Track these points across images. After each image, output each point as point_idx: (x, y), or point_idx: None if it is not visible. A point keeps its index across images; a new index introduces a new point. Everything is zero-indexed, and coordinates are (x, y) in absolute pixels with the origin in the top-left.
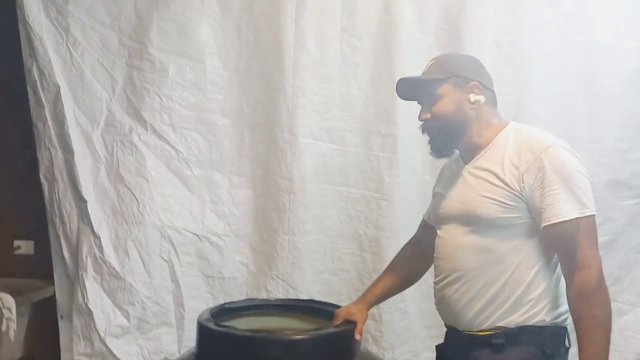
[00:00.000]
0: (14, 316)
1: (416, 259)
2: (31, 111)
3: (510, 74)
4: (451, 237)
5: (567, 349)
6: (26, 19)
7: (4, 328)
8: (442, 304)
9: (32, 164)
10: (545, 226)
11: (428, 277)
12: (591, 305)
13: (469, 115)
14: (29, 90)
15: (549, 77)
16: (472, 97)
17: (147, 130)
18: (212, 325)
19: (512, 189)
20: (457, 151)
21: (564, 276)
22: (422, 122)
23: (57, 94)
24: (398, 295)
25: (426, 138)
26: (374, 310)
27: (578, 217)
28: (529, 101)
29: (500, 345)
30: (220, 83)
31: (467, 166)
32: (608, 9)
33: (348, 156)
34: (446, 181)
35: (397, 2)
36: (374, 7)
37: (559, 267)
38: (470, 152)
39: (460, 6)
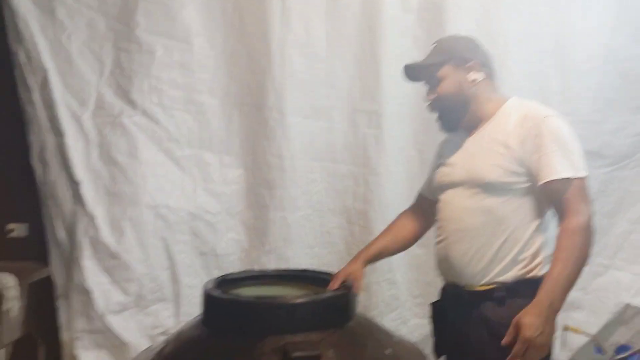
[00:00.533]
0: (15, 296)
1: (411, 226)
2: (20, 95)
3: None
4: (456, 200)
5: None
6: (10, 2)
7: (6, 307)
8: (444, 262)
9: (24, 147)
10: (542, 183)
11: (415, 248)
12: (574, 242)
13: (470, 92)
14: (17, 74)
15: (524, 55)
16: (471, 76)
17: (137, 112)
18: (217, 294)
19: (515, 155)
20: None
21: (558, 220)
22: (429, 102)
23: (45, 78)
24: (386, 266)
25: (432, 115)
26: (363, 280)
27: (570, 178)
28: (507, 77)
29: (501, 298)
30: (208, 64)
31: (470, 137)
32: None
33: (335, 133)
34: (449, 153)
35: None
36: None
37: (550, 228)
38: (474, 124)
39: None
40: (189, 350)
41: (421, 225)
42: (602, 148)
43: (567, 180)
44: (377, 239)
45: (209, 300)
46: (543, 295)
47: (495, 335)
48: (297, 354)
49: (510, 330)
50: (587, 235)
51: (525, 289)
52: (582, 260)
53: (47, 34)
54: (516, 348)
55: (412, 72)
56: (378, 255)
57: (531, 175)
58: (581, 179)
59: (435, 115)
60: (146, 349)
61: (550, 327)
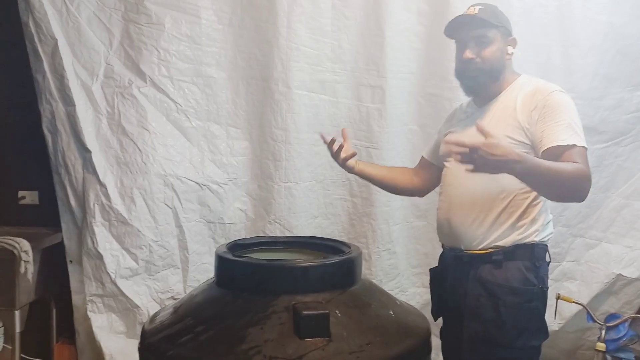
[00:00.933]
0: (30, 259)
1: (409, 178)
2: (31, 64)
3: None
4: (460, 167)
5: (548, 263)
6: None
7: (22, 270)
8: (446, 227)
9: (34, 116)
10: (546, 149)
11: (414, 220)
12: (571, 173)
13: (505, 64)
14: (27, 44)
15: (529, 30)
16: (510, 50)
17: (146, 83)
18: (230, 257)
19: (522, 125)
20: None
21: None
22: (464, 62)
23: (55, 47)
24: (386, 236)
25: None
26: (364, 250)
27: (576, 144)
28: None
29: (499, 261)
30: (216, 36)
31: (480, 109)
32: None
33: (339, 107)
34: (458, 122)
35: None
36: None
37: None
38: (488, 97)
39: None
40: (204, 308)
41: (417, 182)
42: (599, 124)
43: (573, 147)
44: (379, 167)
45: (224, 263)
46: (521, 153)
47: (491, 295)
48: (307, 312)
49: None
50: (582, 180)
51: (521, 252)
52: (564, 180)
53: (56, 3)
54: (469, 141)
55: (459, 24)
56: (372, 175)
57: (535, 140)
58: (584, 147)
59: (464, 79)
60: (160, 309)
61: (497, 165)
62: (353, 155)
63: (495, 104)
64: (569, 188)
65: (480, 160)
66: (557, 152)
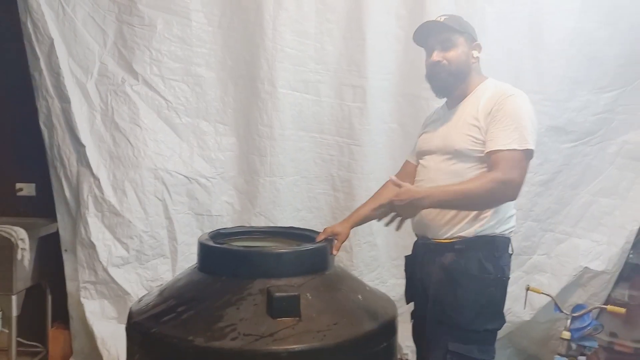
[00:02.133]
0: (27, 246)
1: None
2: (28, 62)
3: None
4: (431, 164)
5: (510, 255)
6: None
7: (19, 257)
8: (416, 217)
9: (32, 111)
10: (486, 152)
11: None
12: (481, 183)
13: (471, 67)
14: (25, 43)
15: (502, 35)
16: (475, 54)
17: (138, 81)
18: (211, 243)
19: (481, 125)
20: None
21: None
22: (434, 62)
23: (52, 46)
24: (367, 229)
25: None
26: (345, 243)
27: (516, 149)
28: (483, 56)
29: (461, 250)
30: (205, 38)
31: (450, 110)
32: None
33: (322, 106)
34: (432, 123)
35: None
36: None
37: None
38: (457, 98)
39: None
40: (187, 290)
41: None
42: (567, 124)
43: (505, 151)
44: (365, 204)
45: (205, 250)
46: (427, 189)
47: (451, 280)
48: (279, 294)
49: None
50: (492, 192)
51: (482, 243)
52: (473, 196)
53: (53, 5)
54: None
55: (425, 31)
56: (365, 219)
57: (485, 141)
58: (523, 151)
59: (433, 81)
60: (146, 293)
61: (410, 207)
62: (343, 240)
63: (462, 105)
64: (484, 200)
65: (398, 209)
66: (492, 156)
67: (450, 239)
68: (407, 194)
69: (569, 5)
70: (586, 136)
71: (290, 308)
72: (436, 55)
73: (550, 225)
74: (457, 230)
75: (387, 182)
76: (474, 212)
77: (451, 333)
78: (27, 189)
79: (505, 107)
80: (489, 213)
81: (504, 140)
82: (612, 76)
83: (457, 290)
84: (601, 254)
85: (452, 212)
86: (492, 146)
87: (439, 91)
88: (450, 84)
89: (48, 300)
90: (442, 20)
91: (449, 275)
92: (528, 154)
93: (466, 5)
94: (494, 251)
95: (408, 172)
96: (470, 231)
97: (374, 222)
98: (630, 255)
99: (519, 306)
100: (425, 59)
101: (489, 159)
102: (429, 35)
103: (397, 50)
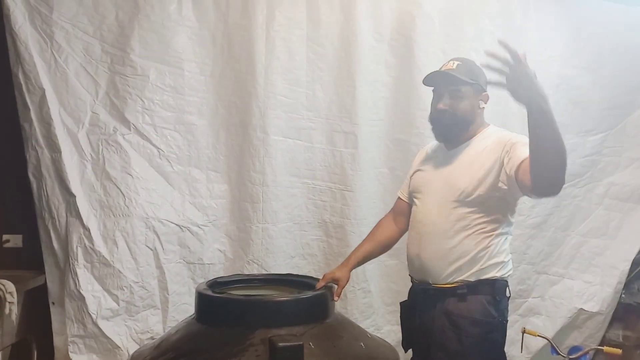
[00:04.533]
0: (15, 300)
1: (390, 229)
2: (18, 113)
3: None
4: (430, 205)
5: (508, 298)
6: (12, 27)
7: (7, 311)
8: (416, 262)
9: (19, 162)
10: (518, 164)
11: (386, 259)
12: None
13: (476, 117)
14: (16, 94)
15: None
16: (482, 104)
17: (130, 130)
18: (210, 293)
19: (489, 168)
20: None
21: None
22: (440, 109)
23: (43, 97)
24: (361, 275)
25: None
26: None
27: None
28: None
29: (463, 295)
30: (198, 87)
31: (450, 152)
32: (534, 20)
33: (314, 152)
34: (427, 161)
35: (357, 15)
36: (335, 19)
37: (505, 238)
38: (457, 141)
39: (411, 19)
40: (186, 342)
41: (399, 226)
42: None
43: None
44: (360, 245)
45: (204, 299)
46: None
47: (455, 326)
48: (282, 344)
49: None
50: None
51: (484, 287)
52: (560, 143)
53: (45, 56)
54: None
55: (436, 77)
56: (363, 259)
57: (508, 176)
58: None
59: (436, 125)
60: (143, 345)
61: (533, 82)
62: (344, 286)
63: (466, 149)
64: (562, 156)
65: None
66: (522, 164)
67: (452, 283)
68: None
69: (552, 52)
70: (575, 178)
71: (294, 358)
72: (443, 105)
73: (543, 268)
74: (459, 274)
75: (380, 221)
76: (477, 256)
77: None
78: (13, 241)
79: (518, 140)
80: (489, 256)
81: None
82: (597, 120)
83: (462, 336)
84: (595, 294)
85: (455, 256)
86: (520, 157)
87: (440, 136)
88: (453, 132)
89: (34, 355)
90: (454, 66)
91: (452, 321)
92: None
93: (453, 53)
94: (495, 295)
95: (402, 210)
96: (471, 275)
97: (367, 267)
98: (623, 295)
99: (516, 350)
100: (432, 101)
101: (521, 169)
102: (439, 82)
103: (387, 97)
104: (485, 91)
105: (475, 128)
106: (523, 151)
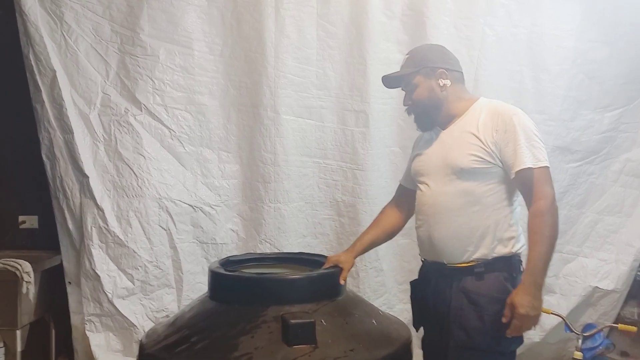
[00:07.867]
0: (32, 280)
1: (395, 216)
2: (30, 94)
3: (467, 53)
4: (433, 186)
5: (521, 272)
6: (22, 9)
7: (24, 291)
8: (427, 243)
9: (33, 144)
10: (517, 172)
11: (399, 238)
12: (543, 223)
13: (441, 96)
14: (27, 75)
15: (500, 56)
16: (441, 82)
17: (141, 111)
18: (223, 271)
19: (484, 144)
20: None
21: (527, 207)
22: (406, 107)
23: (54, 78)
24: (373, 254)
25: (406, 116)
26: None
27: (531, 167)
28: (484, 77)
29: (481, 273)
30: (208, 67)
31: (444, 131)
32: None
33: (325, 131)
34: (424, 144)
35: None
36: None
37: (514, 210)
38: (447, 121)
39: None
40: (200, 319)
41: (403, 213)
42: (571, 144)
43: (530, 170)
44: (365, 232)
45: (217, 278)
46: (527, 276)
47: (474, 304)
48: (294, 321)
49: (506, 310)
50: (552, 214)
51: (500, 264)
52: (553, 237)
53: (55, 37)
54: (514, 324)
55: (389, 81)
56: (368, 246)
57: (505, 164)
58: (542, 168)
59: (412, 117)
60: (157, 323)
61: (538, 301)
62: (349, 269)
63: (458, 125)
64: (556, 228)
65: (530, 321)
66: (522, 175)
67: (468, 262)
68: (533, 312)
69: (567, 25)
70: (590, 155)
71: (306, 335)
72: (405, 102)
73: (557, 246)
74: (474, 252)
75: (385, 207)
76: (490, 231)
77: (479, 358)
78: (29, 222)
79: (512, 129)
80: (504, 230)
81: (529, 160)
82: (614, 95)
83: (483, 313)
84: (610, 272)
85: (468, 233)
86: (517, 166)
87: (421, 127)
88: (429, 119)
89: (52, 334)
90: (404, 62)
91: (471, 299)
92: (546, 169)
93: (466, 29)
94: (512, 271)
95: (405, 197)
96: (487, 252)
97: (380, 246)
98: (638, 273)
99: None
100: None
101: (518, 178)
102: (393, 86)
103: None
104: (439, 68)
105: (456, 105)
106: (523, 155)
